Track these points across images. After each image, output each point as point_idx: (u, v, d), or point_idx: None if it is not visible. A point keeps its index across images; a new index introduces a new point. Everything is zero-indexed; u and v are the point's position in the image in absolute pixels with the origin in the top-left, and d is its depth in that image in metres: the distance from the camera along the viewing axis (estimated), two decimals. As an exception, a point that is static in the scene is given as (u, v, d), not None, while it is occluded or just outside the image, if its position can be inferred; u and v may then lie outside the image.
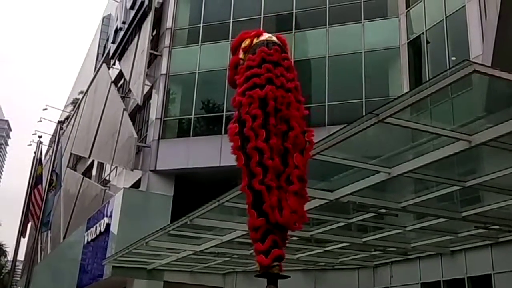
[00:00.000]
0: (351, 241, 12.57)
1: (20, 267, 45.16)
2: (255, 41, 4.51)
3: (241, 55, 4.51)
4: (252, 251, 14.16)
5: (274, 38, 4.53)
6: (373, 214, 10.25)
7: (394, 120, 6.45)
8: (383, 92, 17.05)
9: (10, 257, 44.63)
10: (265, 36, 4.52)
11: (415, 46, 16.98)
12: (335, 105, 17.78)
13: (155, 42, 23.03)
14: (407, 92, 6.68)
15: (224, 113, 19.54)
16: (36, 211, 13.58)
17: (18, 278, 42.09)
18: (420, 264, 13.59)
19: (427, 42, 16.45)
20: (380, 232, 11.95)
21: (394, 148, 8.09)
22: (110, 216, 17.76)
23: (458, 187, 8.66)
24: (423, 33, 16.54)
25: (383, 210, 9.96)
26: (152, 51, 22.27)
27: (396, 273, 14.37)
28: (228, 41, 20.31)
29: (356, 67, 17.89)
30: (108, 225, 17.70)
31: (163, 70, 21.30)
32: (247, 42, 4.54)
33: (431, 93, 6.08)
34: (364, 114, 6.91)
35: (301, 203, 3.99)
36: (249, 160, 3.96)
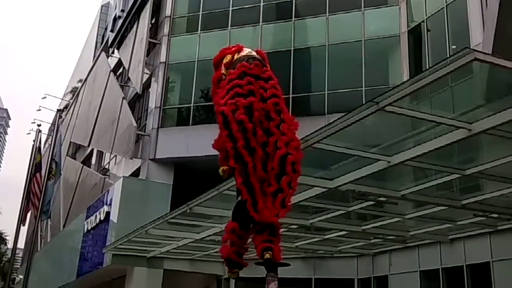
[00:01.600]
0: (350, 229, 12.62)
1: (20, 255, 45.32)
2: (236, 56, 4.60)
3: (223, 70, 4.59)
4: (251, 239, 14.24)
5: (254, 53, 4.62)
6: (373, 202, 10.27)
7: (394, 108, 6.44)
8: (383, 81, 17.00)
9: (10, 245, 44.78)
10: (246, 51, 4.62)
11: (415, 34, 16.91)
12: (334, 93, 17.74)
13: (154, 30, 22.92)
14: (407, 80, 6.65)
15: (224, 102, 19.50)
16: (36, 199, 13.60)
17: (18, 266, 42.25)
18: (419, 252, 13.65)
19: (428, 30, 16.38)
20: (379, 220, 11.98)
21: (393, 136, 8.08)
22: (110, 204, 17.79)
23: (458, 175, 8.67)
24: (423, 21, 16.47)
25: (382, 199, 9.98)
26: (151, 39, 22.18)
27: (395, 261, 14.44)
28: (228, 29, 20.24)
29: (356, 55, 17.82)
30: (107, 214, 17.74)
31: (162, 58, 21.22)
32: (228, 58, 4.63)
33: (431, 81, 6.06)
34: (364, 102, 6.89)
35: (277, 202, 4.12)
36: (242, 157, 4.02)
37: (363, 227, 12.36)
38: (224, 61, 4.66)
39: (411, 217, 11.32)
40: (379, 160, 7.98)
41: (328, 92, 17.82)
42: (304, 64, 19.23)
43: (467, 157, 8.61)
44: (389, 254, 14.61)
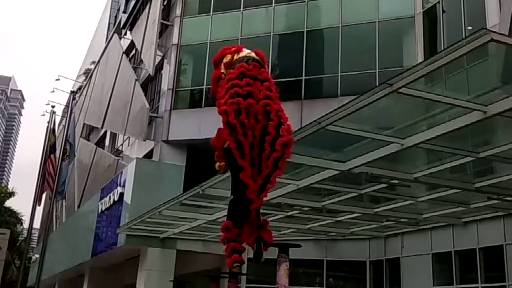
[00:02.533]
0: (362, 211, 12.63)
1: (36, 234, 46.04)
2: (235, 57, 4.69)
3: (222, 70, 4.70)
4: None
5: (253, 54, 4.72)
6: (385, 185, 10.25)
7: (408, 90, 6.38)
8: (397, 63, 16.80)
9: (25, 225, 45.50)
10: (245, 52, 4.72)
11: (430, 15, 16.65)
12: (347, 75, 17.59)
13: (166, 11, 22.82)
14: (421, 62, 6.58)
15: (236, 84, 19.44)
16: (51, 180, 13.76)
17: (34, 245, 42.97)
18: (431, 235, 13.64)
19: (443, 11, 16.11)
20: (392, 203, 11.97)
21: (407, 118, 8.02)
22: (123, 185, 17.94)
23: (472, 158, 8.60)
24: (438, 2, 16.19)
25: (395, 181, 9.95)
26: (163, 21, 22.10)
27: (407, 243, 14.45)
28: (240, 10, 20.09)
29: (370, 37, 17.61)
30: (121, 195, 17.91)
31: (175, 40, 21.17)
32: (228, 57, 4.71)
33: (446, 63, 5.99)
34: (377, 84, 6.83)
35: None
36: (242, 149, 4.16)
37: (376, 210, 12.35)
38: (224, 60, 4.72)
39: (424, 199, 11.29)
40: (392, 142, 7.94)
41: (341, 74, 17.68)
42: (317, 46, 19.07)
43: (482, 139, 8.53)
44: (401, 237, 14.62)
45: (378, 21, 17.53)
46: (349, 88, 16.70)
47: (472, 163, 9.28)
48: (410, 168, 9.48)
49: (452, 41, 6.12)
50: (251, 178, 4.20)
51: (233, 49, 4.77)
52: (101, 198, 20.44)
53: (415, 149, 8.09)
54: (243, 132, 4.16)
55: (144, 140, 20.60)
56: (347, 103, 7.07)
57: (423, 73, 6.15)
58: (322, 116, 7.46)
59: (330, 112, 7.34)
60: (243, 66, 4.49)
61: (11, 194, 44.64)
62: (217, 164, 4.57)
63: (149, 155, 20.64)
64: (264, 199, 4.40)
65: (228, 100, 4.26)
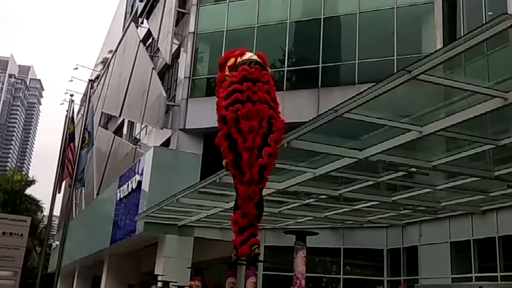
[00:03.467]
0: (380, 200, 12.57)
1: (56, 222, 46.75)
2: (238, 60, 4.88)
3: (227, 72, 4.90)
4: (280, 209, 14.35)
5: (255, 57, 4.90)
6: (403, 173, 10.18)
7: (427, 77, 6.30)
8: (415, 49, 16.58)
9: (46, 212, 46.24)
10: (248, 55, 4.91)
11: (450, 1, 16.36)
12: (365, 63, 17.43)
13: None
14: (440, 48, 6.48)
15: (253, 72, 19.38)
16: (70, 168, 13.92)
17: (55, 233, 43.70)
18: (450, 223, 13.53)
19: (463, -3, 15.84)
20: (409, 191, 11.88)
21: (425, 106, 7.93)
22: (141, 174, 18.10)
23: (492, 146, 8.49)
24: (458, -13, 15.91)
25: (413, 169, 9.88)
26: (179, 9, 22.08)
27: (425, 232, 14.36)
28: (256, -2, 19.99)
29: (388, 23, 17.39)
30: (139, 183, 18.07)
31: (191, 28, 21.16)
32: (231, 61, 4.91)
33: (466, 49, 5.90)
34: (395, 72, 6.75)
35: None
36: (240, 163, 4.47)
37: (393, 198, 12.28)
38: (228, 63, 4.93)
39: (442, 188, 11.19)
40: (411, 130, 7.86)
41: (359, 61, 17.52)
42: (334, 33, 18.90)
43: (502, 127, 8.40)
44: (419, 225, 14.54)
45: (397, 7, 17.29)
46: (367, 76, 16.55)
47: (492, 151, 9.16)
48: (428, 156, 9.39)
49: (472, 27, 6.02)
50: (243, 184, 4.48)
51: (236, 52, 4.97)
52: (119, 186, 20.66)
53: (433, 136, 8.00)
54: (242, 139, 4.39)
55: (161, 129, 20.71)
56: (364, 91, 7.01)
57: (442, 59, 6.07)
58: (339, 104, 7.41)
59: (347, 100, 7.29)
60: (245, 69, 4.66)
61: (32, 182, 45.31)
62: (224, 160, 4.75)
63: (166, 144, 20.77)
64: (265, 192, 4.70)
65: (230, 107, 4.47)
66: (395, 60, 16.57)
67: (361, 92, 7.07)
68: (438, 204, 12.68)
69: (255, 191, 4.52)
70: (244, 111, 4.45)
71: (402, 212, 13.90)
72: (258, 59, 4.86)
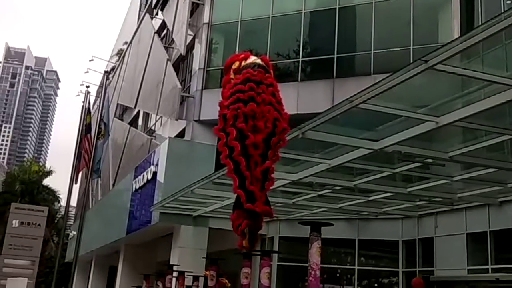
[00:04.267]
0: (395, 191, 12.50)
1: (73, 212, 47.34)
2: (243, 63, 4.98)
3: (231, 75, 4.99)
4: (295, 200, 14.35)
5: (259, 61, 4.97)
6: (419, 164, 10.10)
7: (444, 67, 6.22)
8: (432, 39, 16.40)
9: (63, 203, 46.80)
10: (252, 59, 4.99)
11: (467, -11, 16.14)
12: (381, 53, 17.28)
13: (197, -10, 22.79)
14: (458, 38, 6.39)
15: (267, 63, 19.32)
16: (87, 159, 14.05)
17: (72, 223, 44.25)
18: (466, 214, 13.42)
19: (481, -15, 15.59)
20: (425, 182, 11.79)
21: (442, 96, 7.85)
22: (157, 164, 18.20)
23: (509, 136, 8.38)
24: (476, -25, 15.66)
25: (429, 160, 9.79)
26: (194, 0, 22.06)
27: (441, 223, 14.27)
28: (271, -12, 19.87)
29: (404, 12, 17.20)
30: (154, 174, 18.17)
31: (206, 19, 21.14)
32: (236, 64, 4.99)
33: (483, 39, 5.80)
34: (412, 61, 6.68)
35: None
36: (238, 166, 4.44)
37: (409, 189, 12.20)
38: (233, 67, 4.99)
39: (459, 179, 11.09)
40: (427, 120, 7.79)
41: (374, 51, 17.37)
42: (349, 23, 18.76)
43: (520, 117, 8.29)
44: (435, 216, 14.44)
45: (413, -4, 17.08)
46: (383, 66, 16.42)
47: (509, 142, 9.05)
48: (445, 147, 9.31)
49: (490, 16, 5.91)
50: (241, 188, 4.40)
51: (241, 56, 5.06)
52: (135, 177, 20.81)
53: (450, 127, 7.92)
54: (236, 137, 4.37)
55: (176, 120, 20.78)
56: (380, 81, 6.95)
57: (459, 49, 5.98)
58: (355, 95, 7.36)
59: (363, 90, 7.23)
60: (248, 72, 4.75)
61: (49, 172, 45.85)
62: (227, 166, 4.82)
63: (181, 135, 20.84)
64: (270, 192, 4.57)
65: (230, 106, 4.54)
66: (411, 50, 16.41)
67: (377, 83, 7.01)
68: (454, 195, 12.58)
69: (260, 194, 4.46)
70: (246, 110, 4.50)
71: (417, 203, 13.81)
72: (262, 63, 4.92)
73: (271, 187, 4.54)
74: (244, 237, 4.55)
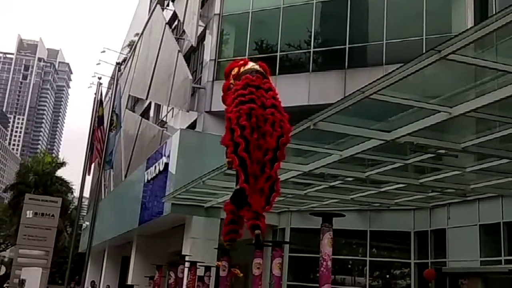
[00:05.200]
0: (407, 182, 12.43)
1: (86, 203, 47.75)
2: (242, 69, 5.27)
3: (231, 81, 5.29)
4: (306, 191, 14.35)
5: (257, 67, 5.27)
6: (432, 155, 10.03)
7: (457, 56, 6.15)
8: (445, 29, 16.22)
9: (76, 194, 47.23)
10: (250, 65, 5.29)
11: (481, -23, 15.92)
12: (393, 43, 17.14)
13: (208, -19, 22.72)
14: (471, 27, 6.31)
15: (278, 54, 19.28)
16: (99, 150, 14.15)
17: (85, 214, 44.65)
18: (479, 205, 13.34)
19: (495, -27, 15.36)
20: (438, 173, 11.71)
21: (455, 86, 7.77)
22: (168, 156, 18.26)
23: (524, 127, 8.28)
24: (491, -37, 15.44)
25: (442, 151, 9.72)
26: (205, -9, 22.02)
27: (453, 214, 14.19)
28: (282, -22, 19.76)
29: (417, 2, 17.03)
30: (166, 165, 18.25)
31: (216, 10, 21.08)
32: (235, 70, 5.30)
33: (497, 28, 5.73)
34: (424, 52, 6.61)
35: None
36: (244, 161, 4.69)
37: (421, 180, 12.13)
38: (232, 73, 5.30)
39: (472, 170, 11.00)
40: (440, 111, 7.72)
41: (386, 41, 17.24)
42: (361, 13, 18.61)
43: (535, 108, 8.18)
44: (447, 208, 14.37)
45: (426, -15, 16.89)
46: (395, 56, 16.30)
47: (524, 132, 8.93)
48: (458, 138, 9.23)
49: (504, 5, 5.82)
50: (248, 184, 4.68)
51: (240, 62, 5.40)
52: (147, 168, 20.92)
53: (463, 118, 7.84)
54: (241, 133, 4.65)
55: (188, 111, 20.82)
56: (392, 72, 6.90)
57: (473, 38, 5.91)
58: (366, 85, 7.31)
59: (375, 81, 7.18)
60: (247, 78, 5.05)
61: (62, 164, 46.26)
62: (227, 160, 5.05)
63: (192, 126, 20.88)
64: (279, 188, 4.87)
65: (233, 109, 4.82)
66: (424, 40, 16.25)
67: (389, 73, 6.96)
68: (467, 187, 12.49)
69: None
70: (246, 108, 4.75)
71: (430, 194, 13.74)
72: (260, 69, 5.25)
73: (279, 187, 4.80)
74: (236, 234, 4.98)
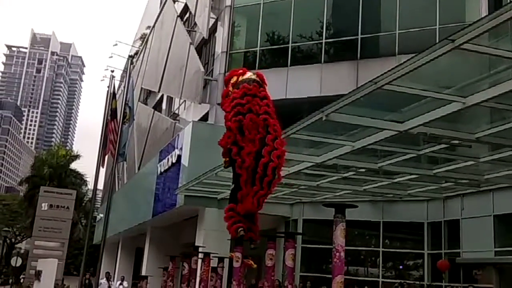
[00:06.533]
0: (420, 173, 12.38)
1: (100, 195, 48.13)
2: (240, 78, 5.70)
3: (230, 88, 5.73)
4: (318, 182, 14.33)
5: (254, 76, 5.71)
6: (445, 145, 9.97)
7: (471, 46, 6.10)
8: (459, 18, 16.05)
9: (90, 186, 47.61)
10: (248, 74, 5.74)
11: (496, -35, 15.69)
12: (406, 33, 16.98)
13: (219, -28, 22.65)
14: (486, 16, 6.24)
15: (290, 45, 19.20)
16: (113, 142, 14.23)
17: (99, 206, 45.02)
18: (493, 196, 13.25)
19: (510, -40, 15.13)
20: (452, 164, 11.65)
21: (469, 76, 7.69)
22: (181, 148, 18.34)
23: (539, 117, 8.20)
24: (505, -49, 15.20)
25: (456, 141, 9.66)
26: (216, -17, 21.95)
27: (467, 205, 14.12)
28: (293, -31, 19.62)
29: (430, -9, 16.83)
30: (179, 157, 18.33)
31: (228, 1, 21.03)
32: (234, 79, 5.76)
33: (512, 16, 5.66)
34: (437, 41, 6.55)
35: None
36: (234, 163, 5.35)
37: (435, 171, 12.07)
38: (231, 81, 5.76)
39: (486, 160, 10.92)
40: (454, 101, 7.67)
41: (399, 31, 17.08)
42: (373, 3, 18.45)
43: (550, 97, 8.07)
44: (461, 198, 14.29)
45: (439, -26, 16.69)
46: (408, 46, 16.15)
47: (539, 122, 8.83)
48: (472, 128, 9.16)
49: (520, -7, 5.75)
50: (245, 183, 5.21)
51: (239, 72, 5.88)
52: (160, 160, 21.03)
53: (477, 108, 7.78)
54: (239, 150, 5.18)
55: (200, 103, 20.85)
56: (405, 62, 6.85)
57: (487, 27, 5.85)
58: (379, 76, 7.28)
59: (387, 72, 7.14)
60: (245, 87, 5.52)
61: (76, 156, 46.59)
62: (223, 160, 5.75)
63: (205, 118, 20.92)
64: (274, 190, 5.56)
65: (232, 118, 5.35)
66: (438, 30, 16.09)
67: (402, 63, 6.92)
68: (481, 177, 12.40)
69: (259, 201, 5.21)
70: (246, 121, 5.29)
71: (443, 185, 13.67)
72: (256, 78, 5.69)
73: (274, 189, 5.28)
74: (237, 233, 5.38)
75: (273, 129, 5.29)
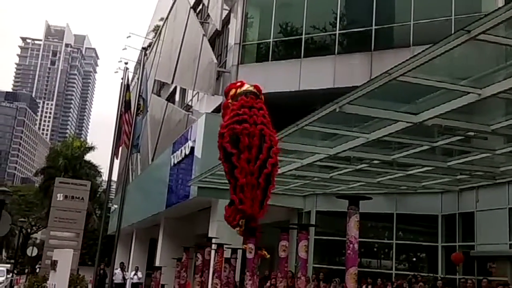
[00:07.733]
0: (435, 165, 12.30)
1: (114, 186, 48.53)
2: (238, 90, 5.99)
3: (229, 100, 6.02)
4: (332, 174, 14.30)
5: (251, 88, 6.01)
6: (460, 137, 9.88)
7: (488, 37, 6.02)
8: (474, 8, 15.82)
9: (104, 177, 48.05)
10: (245, 87, 6.03)
11: (513, -46, 15.41)
12: (421, 24, 16.79)
13: (232, -36, 22.55)
14: (502, 6, 6.15)
15: (303, 36, 19.10)
16: (127, 134, 14.32)
17: (113, 197, 45.41)
18: (509, 188, 13.12)
19: (528, -51, 14.86)
20: (466, 156, 11.54)
21: (485, 67, 7.61)
22: (194, 140, 18.40)
23: (556, 109, 8.08)
24: None
25: (471, 133, 9.57)
26: (229, -26, 21.86)
27: (482, 197, 14.00)
28: (306, -40, 19.47)
29: (445, -19, 16.61)
30: (192, 149, 18.39)
31: (241, -7, 20.95)
32: (233, 91, 6.02)
33: (530, 6, 5.57)
34: (453, 32, 6.47)
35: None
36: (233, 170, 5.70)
37: (449, 163, 11.98)
38: (230, 93, 6.03)
39: (502, 152, 10.80)
40: (469, 93, 7.58)
41: (414, 22, 16.89)
42: (388, -7, 18.26)
43: None
44: (476, 190, 14.18)
45: (455, -37, 16.45)
46: (422, 37, 15.96)
47: (556, 114, 8.72)
48: (487, 120, 9.06)
49: (538, -18, 5.66)
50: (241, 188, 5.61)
51: (237, 84, 6.13)
52: (173, 152, 21.12)
53: (493, 99, 7.69)
54: (237, 152, 5.51)
55: (213, 95, 20.87)
56: (420, 53, 6.79)
57: (504, 18, 5.77)
58: (393, 67, 7.22)
59: (402, 63, 7.08)
60: (242, 99, 5.83)
61: (90, 148, 46.99)
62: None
63: (218, 110, 20.91)
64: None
65: (229, 126, 5.66)
66: (453, 20, 15.88)
67: (416, 55, 6.86)
68: (497, 169, 12.29)
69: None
70: (240, 128, 5.56)
71: (458, 177, 13.56)
72: (253, 90, 5.98)
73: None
74: (241, 227, 5.81)
75: (269, 139, 5.64)
